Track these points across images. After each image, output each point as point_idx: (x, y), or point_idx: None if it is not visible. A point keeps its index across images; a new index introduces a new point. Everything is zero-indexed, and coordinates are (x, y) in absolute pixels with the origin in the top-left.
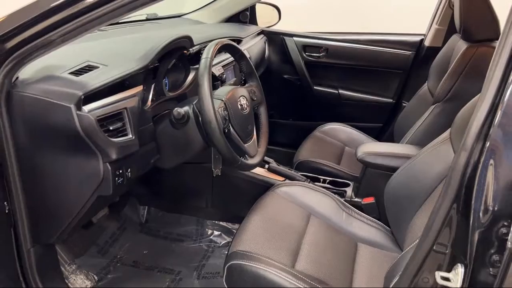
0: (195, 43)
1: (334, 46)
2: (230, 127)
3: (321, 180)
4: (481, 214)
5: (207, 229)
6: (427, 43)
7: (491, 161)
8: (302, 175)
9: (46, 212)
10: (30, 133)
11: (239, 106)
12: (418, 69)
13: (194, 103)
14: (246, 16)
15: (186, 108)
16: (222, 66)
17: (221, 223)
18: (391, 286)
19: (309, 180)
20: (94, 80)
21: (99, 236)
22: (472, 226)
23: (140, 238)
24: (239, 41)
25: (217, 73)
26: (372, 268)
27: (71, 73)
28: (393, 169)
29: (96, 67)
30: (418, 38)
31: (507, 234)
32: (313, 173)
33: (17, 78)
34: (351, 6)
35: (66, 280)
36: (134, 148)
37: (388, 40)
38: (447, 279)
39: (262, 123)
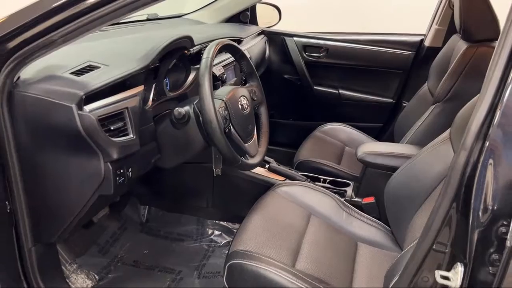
0: (195, 43)
1: (335, 46)
2: (231, 127)
3: (321, 180)
4: (480, 213)
5: (207, 229)
6: (427, 43)
7: (491, 161)
8: (302, 175)
9: (47, 212)
10: (32, 132)
11: (240, 106)
12: (418, 69)
13: (194, 103)
14: (246, 16)
15: (186, 108)
16: (222, 66)
17: (221, 222)
18: (391, 285)
19: (309, 180)
20: (95, 80)
21: (100, 235)
22: (471, 225)
23: (141, 237)
24: (239, 41)
25: (217, 73)
26: (372, 267)
27: (73, 73)
28: (393, 169)
29: (97, 67)
30: (418, 38)
31: (506, 233)
32: (314, 173)
33: (18, 78)
34: (351, 6)
35: (67, 280)
36: (135, 147)
37: (388, 40)
38: (446, 278)
39: (262, 123)
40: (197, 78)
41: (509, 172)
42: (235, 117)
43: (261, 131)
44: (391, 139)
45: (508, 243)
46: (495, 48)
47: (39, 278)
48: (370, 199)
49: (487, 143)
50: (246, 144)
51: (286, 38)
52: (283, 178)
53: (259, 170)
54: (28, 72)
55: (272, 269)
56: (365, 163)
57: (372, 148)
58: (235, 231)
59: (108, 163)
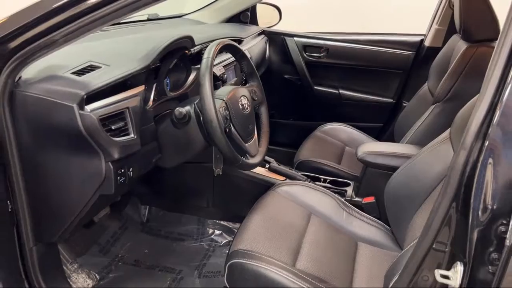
0: (196, 43)
1: (335, 46)
2: (231, 126)
3: (322, 179)
4: (480, 213)
5: (208, 228)
6: (427, 43)
7: (490, 160)
8: (302, 174)
9: (48, 211)
10: (33, 132)
11: (240, 106)
12: (418, 69)
13: (195, 102)
14: (246, 17)
15: (187, 107)
16: (223, 66)
17: (222, 222)
18: (391, 285)
19: (309, 179)
20: (96, 80)
21: (101, 235)
22: (471, 225)
23: (141, 237)
24: (240, 41)
25: (218, 73)
26: (372, 267)
27: (74, 73)
28: (393, 169)
29: (98, 67)
30: (418, 38)
31: (505, 232)
32: (314, 173)
33: (20, 77)
34: (351, 6)
35: (68, 279)
36: (136, 147)
37: (388, 40)
38: (446, 277)
39: (263, 123)
40: (197, 78)
41: (509, 171)
42: (235, 117)
43: (261, 131)
44: (391, 139)
45: (507, 242)
46: (495, 48)
47: (40, 278)
48: (370, 199)
49: (486, 143)
50: (246, 144)
51: (286, 38)
52: (284, 178)
53: (259, 170)
54: (29, 72)
55: (273, 268)
56: (365, 163)
57: (372, 148)
58: (236, 230)
59: (109, 163)
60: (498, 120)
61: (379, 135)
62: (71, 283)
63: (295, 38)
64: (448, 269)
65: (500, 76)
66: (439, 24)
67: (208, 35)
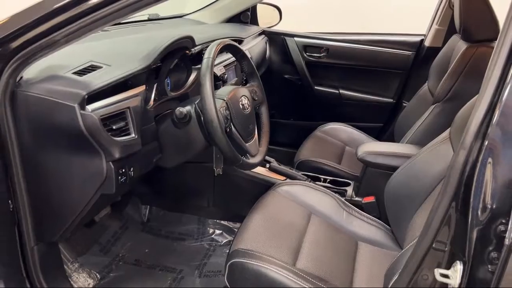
0: (197, 43)
1: (335, 46)
2: (232, 126)
3: (322, 179)
4: (479, 212)
5: (208, 228)
6: (427, 43)
7: (490, 160)
8: (303, 174)
9: (49, 211)
10: (34, 132)
11: (241, 106)
12: (418, 69)
13: (196, 102)
14: (247, 17)
15: (188, 107)
16: (223, 66)
17: (222, 222)
18: (391, 284)
19: (310, 179)
20: (97, 80)
21: (102, 234)
22: (470, 224)
23: (142, 237)
24: (240, 41)
25: (218, 73)
26: (373, 266)
27: (75, 73)
28: (393, 169)
29: (100, 67)
30: (418, 39)
31: (505, 231)
32: (314, 173)
33: (21, 77)
34: (351, 6)
35: (69, 278)
36: (137, 147)
37: (388, 40)
38: (446, 276)
39: (263, 123)
40: (198, 78)
41: (508, 171)
42: (236, 116)
43: (262, 131)
44: (391, 139)
45: (506, 241)
46: (494, 48)
47: (42, 277)
48: (370, 199)
49: (486, 142)
50: (247, 144)
51: (286, 38)
52: (284, 178)
53: (260, 170)
54: (30, 72)
55: (273, 267)
56: (366, 163)
57: (372, 147)
58: (236, 230)
59: (110, 163)
60: (498, 119)
61: (379, 135)
62: (72, 282)
63: (295, 38)
64: (447, 268)
65: (500, 76)
66: (439, 24)
67: (208, 35)
